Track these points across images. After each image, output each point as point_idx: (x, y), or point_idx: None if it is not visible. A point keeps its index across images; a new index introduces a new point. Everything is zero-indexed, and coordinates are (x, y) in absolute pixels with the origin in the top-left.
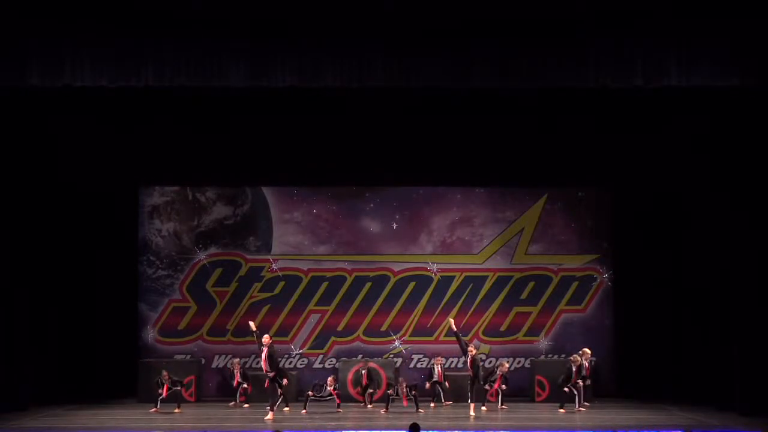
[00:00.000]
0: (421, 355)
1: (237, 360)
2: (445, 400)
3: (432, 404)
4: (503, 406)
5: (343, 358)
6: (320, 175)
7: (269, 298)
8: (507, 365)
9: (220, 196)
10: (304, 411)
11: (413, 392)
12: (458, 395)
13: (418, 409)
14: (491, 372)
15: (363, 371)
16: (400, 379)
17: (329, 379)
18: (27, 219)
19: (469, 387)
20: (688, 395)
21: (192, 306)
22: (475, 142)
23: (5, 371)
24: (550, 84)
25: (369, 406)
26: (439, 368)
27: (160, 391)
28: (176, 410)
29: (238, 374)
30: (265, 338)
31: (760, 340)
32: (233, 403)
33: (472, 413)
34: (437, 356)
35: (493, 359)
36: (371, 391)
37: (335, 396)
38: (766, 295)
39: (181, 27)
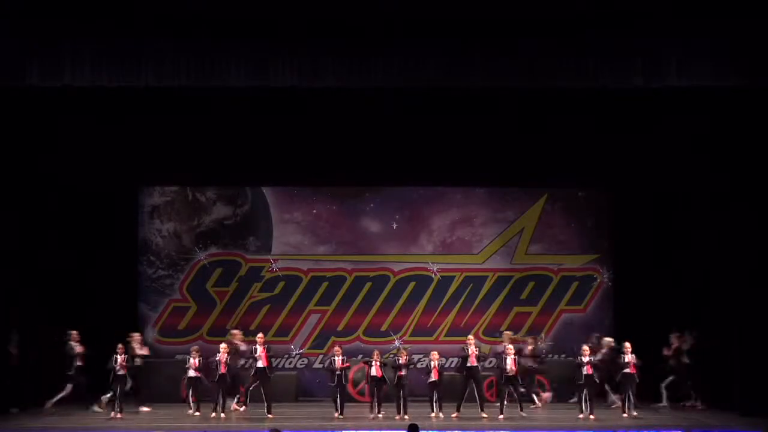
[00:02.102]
0: (421, 355)
1: (196, 348)
2: (439, 410)
3: (432, 414)
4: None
5: (344, 357)
6: (320, 175)
7: (269, 298)
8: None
9: (220, 196)
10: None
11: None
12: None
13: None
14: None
15: (375, 362)
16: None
17: (336, 348)
18: (27, 219)
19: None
20: (688, 395)
21: (192, 306)
22: (475, 142)
23: (6, 371)
24: (550, 84)
25: (380, 414)
26: (436, 364)
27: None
28: (144, 408)
29: (195, 362)
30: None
31: (760, 340)
32: (193, 410)
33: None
34: (433, 351)
35: (492, 359)
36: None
37: (346, 366)
38: (766, 294)
39: (181, 27)
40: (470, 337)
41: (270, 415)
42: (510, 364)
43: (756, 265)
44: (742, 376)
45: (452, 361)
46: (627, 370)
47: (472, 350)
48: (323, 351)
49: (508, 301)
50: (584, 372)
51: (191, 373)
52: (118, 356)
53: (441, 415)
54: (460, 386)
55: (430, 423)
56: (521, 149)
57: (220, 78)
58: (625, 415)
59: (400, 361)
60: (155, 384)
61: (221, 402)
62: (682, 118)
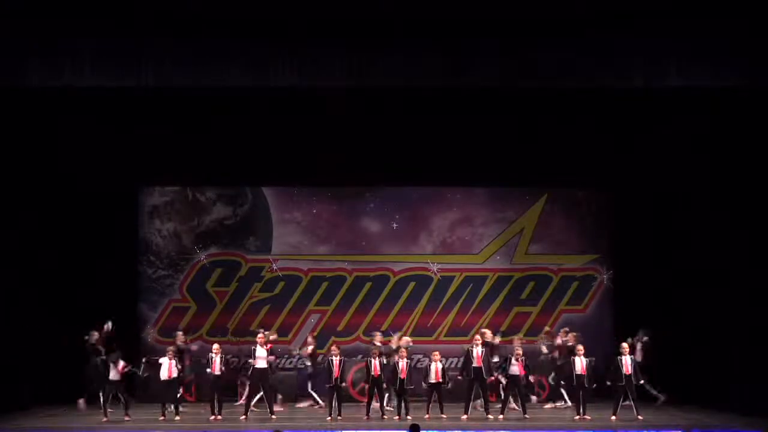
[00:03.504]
0: (420, 355)
1: (172, 348)
2: (441, 411)
3: (427, 415)
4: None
5: (343, 358)
6: (320, 175)
7: (269, 298)
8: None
9: (220, 196)
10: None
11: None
12: (458, 398)
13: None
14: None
15: (374, 360)
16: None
17: (333, 349)
18: (27, 219)
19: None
20: (688, 395)
21: (192, 306)
22: (475, 142)
23: (7, 371)
24: (550, 84)
25: (384, 416)
26: (437, 366)
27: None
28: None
29: (171, 363)
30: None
31: (759, 340)
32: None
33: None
34: (435, 352)
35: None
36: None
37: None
38: (766, 294)
39: (181, 27)
40: (477, 336)
41: (273, 416)
42: (515, 365)
43: (756, 265)
44: (742, 376)
45: (452, 361)
46: (624, 372)
47: (477, 352)
48: (323, 351)
49: (508, 301)
50: (577, 372)
51: (164, 375)
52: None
53: (444, 416)
54: (466, 388)
55: (429, 423)
56: (521, 149)
57: (220, 78)
58: (577, 417)
59: (401, 363)
60: (154, 384)
61: (217, 405)
62: (682, 118)
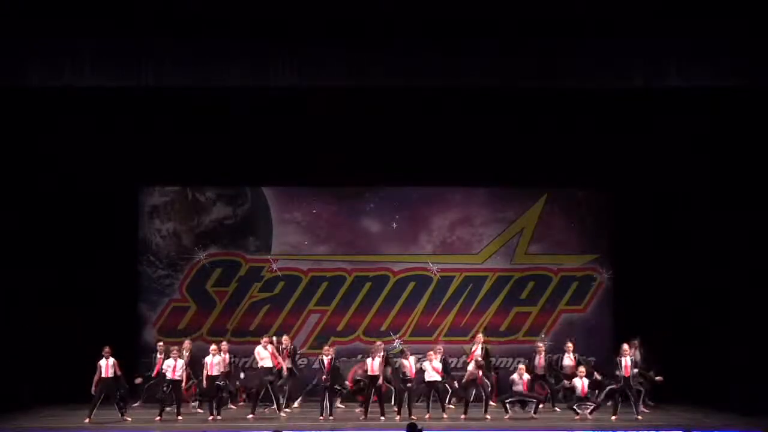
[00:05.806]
0: (420, 355)
1: (176, 347)
2: (443, 410)
3: (427, 415)
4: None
5: (343, 358)
6: (320, 175)
7: (269, 298)
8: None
9: (220, 196)
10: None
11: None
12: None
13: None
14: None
15: (371, 360)
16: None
17: (325, 348)
18: (27, 219)
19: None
20: (688, 395)
21: (192, 306)
22: (475, 142)
23: (7, 371)
24: (550, 84)
25: (382, 418)
26: (434, 365)
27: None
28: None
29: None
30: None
31: (759, 340)
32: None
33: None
34: (430, 351)
35: (493, 358)
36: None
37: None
38: (766, 294)
39: (181, 27)
40: (479, 337)
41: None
42: (538, 362)
43: (756, 265)
44: (742, 376)
45: (452, 362)
46: (623, 374)
47: (479, 353)
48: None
49: (508, 301)
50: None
51: (170, 375)
52: (105, 359)
53: (445, 415)
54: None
55: (429, 423)
56: (521, 149)
57: (220, 78)
58: (577, 417)
59: (405, 371)
60: (154, 384)
61: (215, 404)
62: (682, 118)
